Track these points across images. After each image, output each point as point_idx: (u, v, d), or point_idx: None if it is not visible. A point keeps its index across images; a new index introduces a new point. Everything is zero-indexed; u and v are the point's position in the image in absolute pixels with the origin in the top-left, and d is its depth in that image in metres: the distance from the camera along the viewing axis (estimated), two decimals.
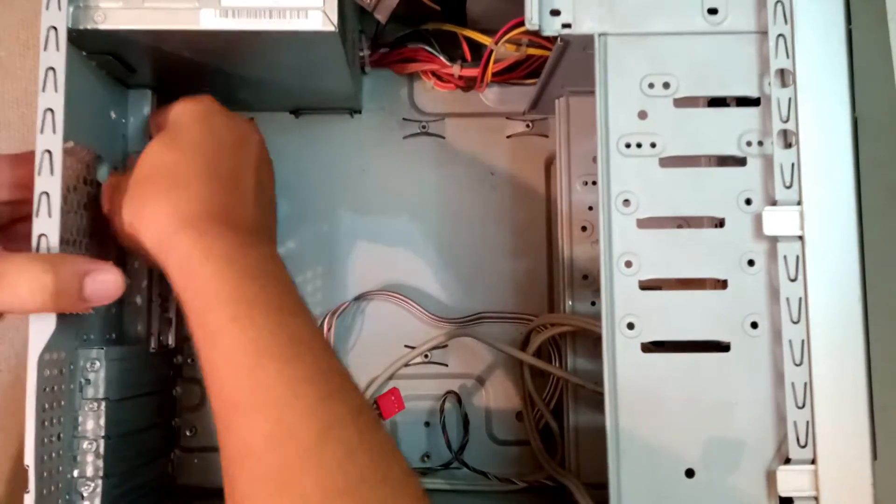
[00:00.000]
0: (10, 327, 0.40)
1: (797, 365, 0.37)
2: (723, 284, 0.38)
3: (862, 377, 0.37)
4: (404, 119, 0.56)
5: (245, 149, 0.41)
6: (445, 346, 0.54)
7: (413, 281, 0.55)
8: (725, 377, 0.37)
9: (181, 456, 0.52)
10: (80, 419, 0.38)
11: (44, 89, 0.36)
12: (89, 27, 0.37)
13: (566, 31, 0.39)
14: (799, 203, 0.38)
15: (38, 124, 0.36)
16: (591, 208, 0.51)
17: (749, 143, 0.39)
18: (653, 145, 0.39)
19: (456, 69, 0.53)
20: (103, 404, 0.39)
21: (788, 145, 0.38)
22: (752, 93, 0.39)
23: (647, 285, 0.38)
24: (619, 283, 0.38)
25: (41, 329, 0.35)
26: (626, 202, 0.38)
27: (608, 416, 0.37)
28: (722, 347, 0.38)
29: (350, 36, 0.47)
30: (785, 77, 0.38)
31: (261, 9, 0.38)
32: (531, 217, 0.56)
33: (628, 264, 0.38)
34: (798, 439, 0.37)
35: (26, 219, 0.37)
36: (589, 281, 0.51)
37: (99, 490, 0.38)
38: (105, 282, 0.36)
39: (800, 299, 0.37)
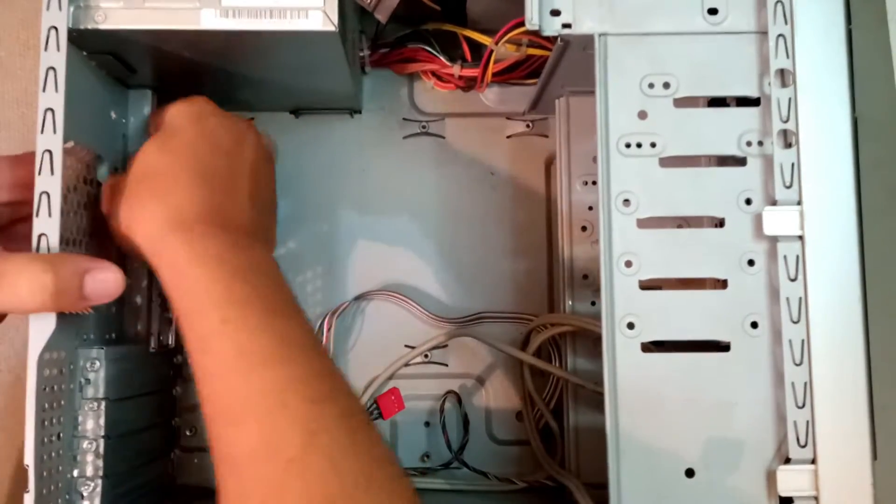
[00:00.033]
0: (10, 327, 0.40)
1: (797, 365, 0.37)
2: (723, 284, 0.38)
3: (862, 377, 0.37)
4: (404, 119, 0.56)
5: (240, 150, 0.41)
6: (445, 346, 0.54)
7: (413, 281, 0.55)
8: (725, 377, 0.37)
9: (181, 456, 0.52)
10: (80, 419, 0.38)
11: (44, 89, 0.36)
12: (90, 27, 0.37)
13: (566, 31, 0.39)
14: (799, 203, 0.38)
15: (39, 124, 0.36)
16: (591, 208, 0.51)
17: (749, 143, 0.39)
18: (653, 145, 0.39)
19: (456, 69, 0.53)
20: (103, 404, 0.39)
21: (788, 145, 0.38)
22: (752, 93, 0.39)
23: (647, 285, 0.38)
24: (619, 283, 0.38)
25: (41, 329, 0.35)
26: (626, 202, 0.38)
27: (608, 416, 0.37)
28: (722, 347, 0.38)
29: (350, 36, 0.47)
30: (785, 77, 0.38)
31: (261, 9, 0.38)
32: (531, 217, 0.56)
33: (628, 264, 0.38)
34: (798, 439, 0.37)
35: (26, 219, 0.37)
36: (589, 281, 0.51)
37: (99, 490, 0.38)
38: (105, 280, 0.36)
39: (800, 299, 0.37)
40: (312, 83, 0.49)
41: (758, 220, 0.38)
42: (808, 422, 0.37)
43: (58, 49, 0.36)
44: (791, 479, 0.36)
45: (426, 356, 0.54)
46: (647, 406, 0.37)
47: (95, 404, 0.39)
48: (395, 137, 0.56)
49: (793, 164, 0.38)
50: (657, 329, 0.38)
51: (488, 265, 0.55)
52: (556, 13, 0.39)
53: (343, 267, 0.55)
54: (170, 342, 0.48)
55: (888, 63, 0.38)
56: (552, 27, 0.39)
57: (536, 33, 0.39)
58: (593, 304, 0.51)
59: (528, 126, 0.56)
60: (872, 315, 0.37)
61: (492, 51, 0.50)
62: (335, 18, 0.38)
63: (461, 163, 0.56)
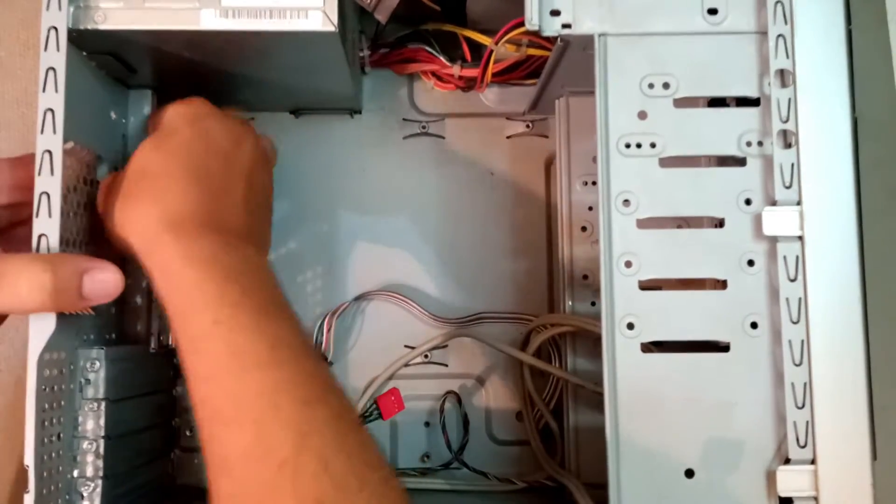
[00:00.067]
0: (10, 327, 0.40)
1: (797, 365, 0.37)
2: (723, 284, 0.38)
3: (862, 377, 0.37)
4: (404, 119, 0.56)
5: (237, 152, 0.41)
6: (445, 346, 0.54)
7: (413, 281, 0.55)
8: (725, 377, 0.37)
9: (181, 456, 0.52)
10: (80, 419, 0.38)
11: (44, 89, 0.36)
12: (89, 27, 0.37)
13: (566, 31, 0.39)
14: (799, 203, 0.38)
15: (38, 124, 0.36)
16: (591, 208, 0.51)
17: (749, 144, 0.39)
18: (653, 145, 0.39)
19: (456, 69, 0.53)
20: (103, 404, 0.39)
21: (788, 145, 0.38)
22: (752, 93, 0.39)
23: (646, 285, 0.38)
24: (618, 283, 0.38)
25: (41, 329, 0.35)
26: (626, 202, 0.38)
27: (608, 416, 0.37)
28: (722, 347, 0.38)
29: (350, 36, 0.47)
30: (785, 77, 0.38)
31: (261, 9, 0.38)
32: (531, 217, 0.56)
33: (628, 264, 0.38)
34: (798, 439, 0.37)
35: (26, 222, 0.37)
36: (589, 281, 0.51)
37: (99, 490, 0.38)
38: (104, 280, 0.36)
39: (799, 299, 0.37)
40: (312, 83, 0.49)
41: (757, 220, 0.38)
42: (807, 422, 0.37)
43: (58, 49, 0.36)
44: (791, 480, 0.36)
45: (426, 356, 0.54)
46: (646, 406, 0.37)
47: (95, 404, 0.39)
48: (395, 138, 0.56)
49: (792, 165, 0.38)
50: (657, 329, 0.38)
51: (488, 265, 0.55)
52: (555, 13, 0.39)
53: (343, 267, 0.55)
54: (170, 342, 0.48)
55: (888, 63, 0.38)
56: (552, 27, 0.39)
57: (536, 33, 0.39)
58: (593, 304, 0.51)
59: (527, 126, 0.56)
60: (872, 315, 0.37)
61: (492, 51, 0.50)
62: (335, 18, 0.38)
63: (461, 163, 0.56)
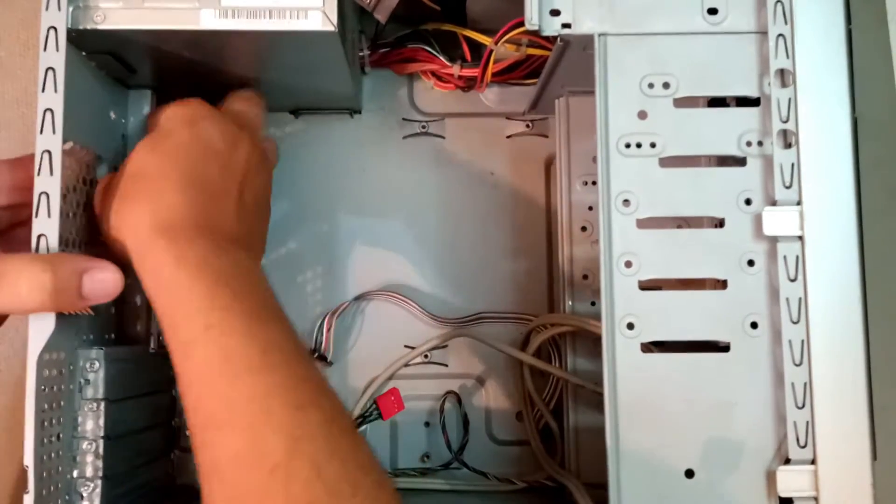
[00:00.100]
0: (10, 328, 0.40)
1: (797, 365, 0.37)
2: (723, 284, 0.38)
3: (862, 377, 0.37)
4: (404, 119, 0.56)
5: (233, 155, 0.41)
6: (445, 346, 0.54)
7: (413, 281, 0.55)
8: (725, 377, 0.37)
9: (181, 456, 0.52)
10: (80, 419, 0.38)
11: (43, 90, 0.36)
12: (89, 27, 0.37)
13: (566, 31, 0.39)
14: (799, 203, 0.38)
15: (38, 124, 0.36)
16: (591, 208, 0.51)
17: (749, 143, 0.38)
18: (653, 145, 0.38)
19: (456, 69, 0.53)
20: (103, 405, 0.39)
21: (788, 145, 0.38)
22: (752, 93, 0.39)
23: (646, 285, 0.38)
24: (618, 283, 0.38)
25: (41, 329, 0.35)
26: (626, 202, 0.38)
27: (608, 416, 0.37)
28: (722, 348, 0.38)
29: (350, 36, 0.47)
30: (785, 77, 0.38)
31: (261, 9, 0.38)
32: (531, 217, 0.56)
33: (628, 264, 0.38)
34: (798, 439, 0.37)
35: (25, 223, 0.37)
36: (589, 281, 0.51)
37: (98, 490, 0.38)
38: (103, 280, 0.36)
39: (799, 299, 0.37)
40: (312, 83, 0.49)
41: (758, 220, 0.38)
42: (807, 422, 0.36)
43: (57, 49, 0.36)
44: (791, 480, 0.36)
45: (426, 356, 0.54)
46: (647, 406, 0.37)
47: (95, 405, 0.39)
48: (394, 137, 0.56)
49: (793, 165, 0.38)
50: (657, 329, 0.38)
51: (488, 265, 0.55)
52: (555, 13, 0.39)
53: (343, 267, 0.55)
54: None
55: (888, 63, 0.38)
56: (552, 27, 0.39)
57: (536, 33, 0.39)
58: (593, 304, 0.51)
59: (527, 126, 0.56)
60: (872, 315, 0.37)
61: (491, 51, 0.50)
62: (334, 18, 0.38)
63: (461, 163, 0.56)
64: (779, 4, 0.38)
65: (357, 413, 0.50)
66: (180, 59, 0.42)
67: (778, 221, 0.37)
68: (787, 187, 0.38)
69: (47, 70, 0.36)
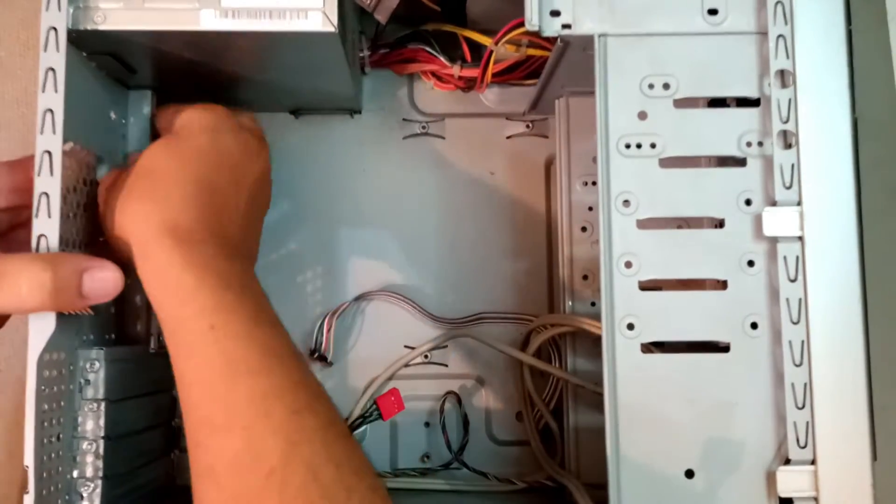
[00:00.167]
0: (10, 328, 0.40)
1: (797, 365, 0.37)
2: (723, 285, 0.38)
3: (862, 377, 0.37)
4: (404, 119, 0.56)
5: (246, 168, 0.41)
6: (445, 346, 0.54)
7: (413, 281, 0.55)
8: (725, 378, 0.37)
9: (181, 456, 0.52)
10: (80, 420, 0.38)
11: (43, 90, 0.36)
12: (89, 28, 0.37)
13: (566, 31, 0.39)
14: (799, 203, 0.38)
15: (38, 125, 0.36)
16: (591, 208, 0.51)
17: (749, 144, 0.38)
18: (653, 146, 0.39)
19: (456, 70, 0.53)
20: (103, 405, 0.39)
21: (788, 146, 0.38)
22: (752, 93, 0.39)
23: (646, 286, 0.38)
24: (619, 284, 0.38)
25: (41, 329, 0.35)
26: (626, 202, 0.38)
27: (608, 416, 0.37)
28: (722, 348, 0.38)
29: (350, 36, 0.47)
30: (785, 78, 0.38)
31: (261, 9, 0.38)
32: (531, 217, 0.56)
33: (628, 265, 0.38)
34: (798, 440, 0.37)
35: (25, 224, 0.37)
36: (589, 281, 0.51)
37: (98, 490, 0.38)
38: (104, 279, 0.36)
39: (800, 300, 0.37)
40: (312, 84, 0.49)
41: (758, 220, 0.38)
42: (807, 423, 0.37)
43: (57, 50, 0.36)
44: (791, 480, 0.36)
45: (426, 357, 0.54)
46: (646, 407, 0.37)
47: (95, 405, 0.39)
48: (395, 138, 0.56)
49: (793, 165, 0.38)
50: (657, 330, 0.38)
51: (488, 265, 0.55)
52: (555, 14, 0.39)
53: (343, 267, 0.55)
54: None
55: (888, 63, 0.38)
56: (552, 28, 0.39)
57: (536, 34, 0.39)
58: (593, 304, 0.51)
59: (527, 126, 0.56)
60: (872, 315, 0.37)
61: (492, 51, 0.50)
62: (335, 19, 0.38)
63: (461, 163, 0.56)
64: (779, 5, 0.38)
65: (357, 413, 0.50)
66: (181, 59, 0.42)
67: (778, 222, 0.37)
68: (787, 188, 0.38)
69: (47, 70, 0.36)
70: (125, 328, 0.46)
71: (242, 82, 0.47)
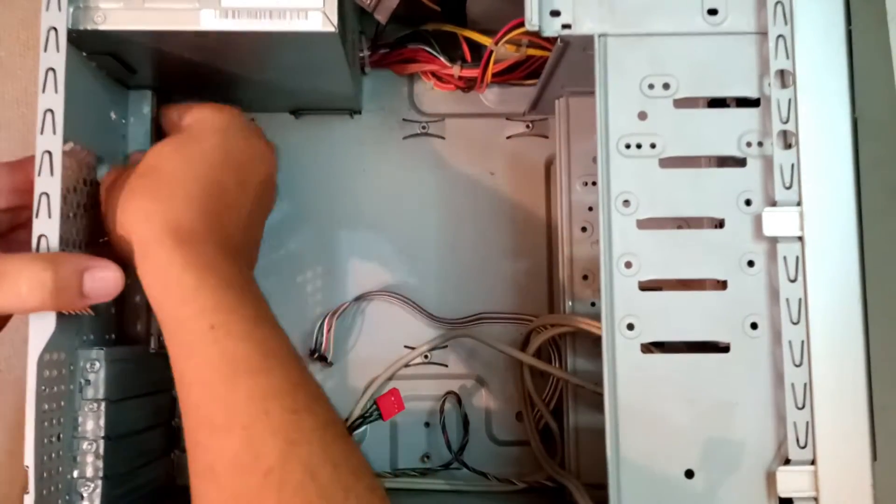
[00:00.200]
0: (10, 328, 0.40)
1: (797, 366, 0.37)
2: (723, 285, 0.38)
3: (862, 377, 0.37)
4: (404, 119, 0.56)
5: (253, 172, 0.41)
6: (445, 346, 0.54)
7: (413, 281, 0.55)
8: (725, 378, 0.37)
9: (181, 456, 0.52)
10: (80, 420, 0.38)
11: (43, 90, 0.36)
12: (89, 28, 0.37)
13: (566, 31, 0.39)
14: (799, 204, 0.38)
15: (38, 125, 0.36)
16: (591, 208, 0.51)
17: (749, 144, 0.39)
18: (653, 146, 0.39)
19: (456, 70, 0.53)
20: (103, 405, 0.39)
21: (788, 146, 0.38)
22: (752, 93, 0.39)
23: (646, 286, 0.38)
24: (619, 284, 0.38)
25: (41, 329, 0.35)
26: (626, 203, 0.38)
27: (608, 416, 0.37)
28: (722, 348, 0.38)
29: (350, 36, 0.47)
30: (785, 78, 0.38)
31: (261, 9, 0.38)
32: (531, 217, 0.56)
33: (628, 265, 0.38)
34: (798, 440, 0.37)
35: (25, 225, 0.37)
36: (589, 281, 0.51)
37: (99, 490, 0.38)
38: (104, 279, 0.36)
39: (799, 300, 0.37)
40: (312, 84, 0.49)
41: (757, 220, 0.38)
42: (807, 423, 0.37)
43: (57, 50, 0.36)
44: (791, 480, 0.36)
45: (426, 357, 0.54)
46: (646, 407, 0.37)
47: (95, 405, 0.39)
48: (395, 138, 0.56)
49: (793, 165, 0.38)
50: (657, 330, 0.38)
51: (488, 265, 0.55)
52: (555, 14, 0.39)
53: (343, 267, 0.55)
54: None
55: (888, 63, 0.38)
56: (552, 28, 0.39)
57: (536, 34, 0.39)
58: (593, 304, 0.51)
59: (527, 126, 0.56)
60: (872, 315, 0.37)
61: (492, 51, 0.50)
62: (335, 19, 0.38)
63: (461, 163, 0.56)
64: (779, 5, 0.38)
65: (357, 413, 0.50)
66: (181, 59, 0.42)
67: (778, 222, 0.37)
68: (787, 188, 0.38)
69: (48, 70, 0.36)
70: (125, 328, 0.46)
71: (242, 82, 0.47)
